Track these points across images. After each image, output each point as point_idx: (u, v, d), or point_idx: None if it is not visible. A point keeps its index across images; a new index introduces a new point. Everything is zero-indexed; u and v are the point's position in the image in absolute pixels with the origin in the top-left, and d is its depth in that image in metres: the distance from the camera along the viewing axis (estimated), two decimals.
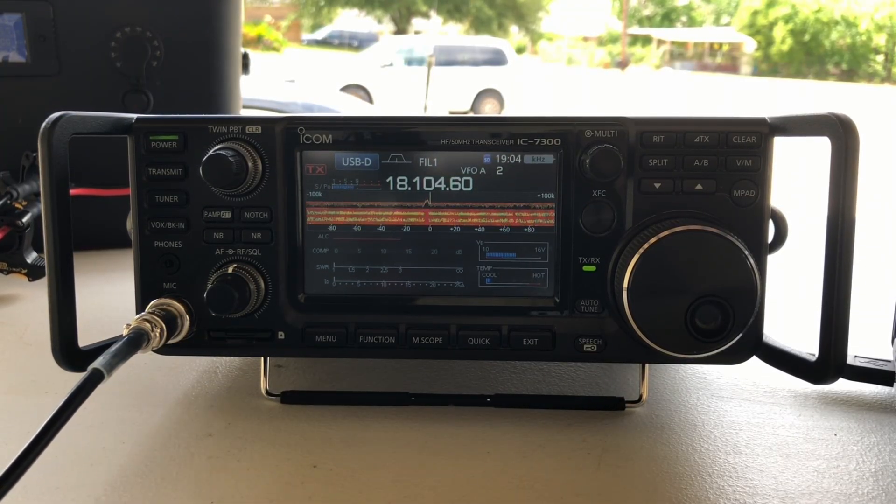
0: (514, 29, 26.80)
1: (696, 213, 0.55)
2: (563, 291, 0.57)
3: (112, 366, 0.47)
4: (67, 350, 0.54)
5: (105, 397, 0.55)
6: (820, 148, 0.55)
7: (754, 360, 0.58)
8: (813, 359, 0.55)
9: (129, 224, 0.58)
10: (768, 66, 27.42)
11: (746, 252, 0.52)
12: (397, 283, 0.58)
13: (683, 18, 32.15)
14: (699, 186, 0.55)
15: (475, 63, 11.49)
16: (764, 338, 0.58)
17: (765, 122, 0.55)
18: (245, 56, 1.19)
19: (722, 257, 0.51)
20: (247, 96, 1.31)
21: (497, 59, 11.58)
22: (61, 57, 1.01)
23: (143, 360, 0.59)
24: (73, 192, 0.54)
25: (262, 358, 0.60)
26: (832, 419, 0.60)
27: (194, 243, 0.57)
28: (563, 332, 0.57)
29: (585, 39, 33.01)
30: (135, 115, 0.57)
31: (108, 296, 0.84)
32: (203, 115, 0.57)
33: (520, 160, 0.56)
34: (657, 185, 0.56)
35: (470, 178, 0.57)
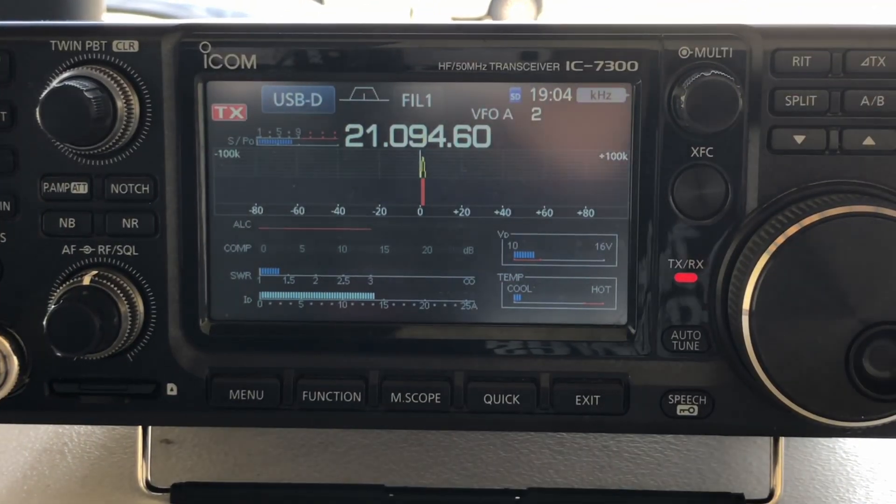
0: None
1: (865, 187, 0.44)
2: (642, 316, 0.46)
3: None
4: None
5: None
6: None
7: None
8: None
9: None
10: None
11: None
12: (365, 303, 0.47)
13: None
14: (869, 141, 0.44)
15: None
16: None
17: None
18: None
19: None
20: None
21: None
22: None
23: None
24: None
25: (141, 428, 0.49)
26: None
27: (25, 236, 0.46)
28: (641, 384, 0.46)
29: None
30: None
31: None
32: (41, 23, 0.46)
33: (570, 98, 0.45)
34: (799, 140, 0.44)
35: (486, 128, 0.45)
